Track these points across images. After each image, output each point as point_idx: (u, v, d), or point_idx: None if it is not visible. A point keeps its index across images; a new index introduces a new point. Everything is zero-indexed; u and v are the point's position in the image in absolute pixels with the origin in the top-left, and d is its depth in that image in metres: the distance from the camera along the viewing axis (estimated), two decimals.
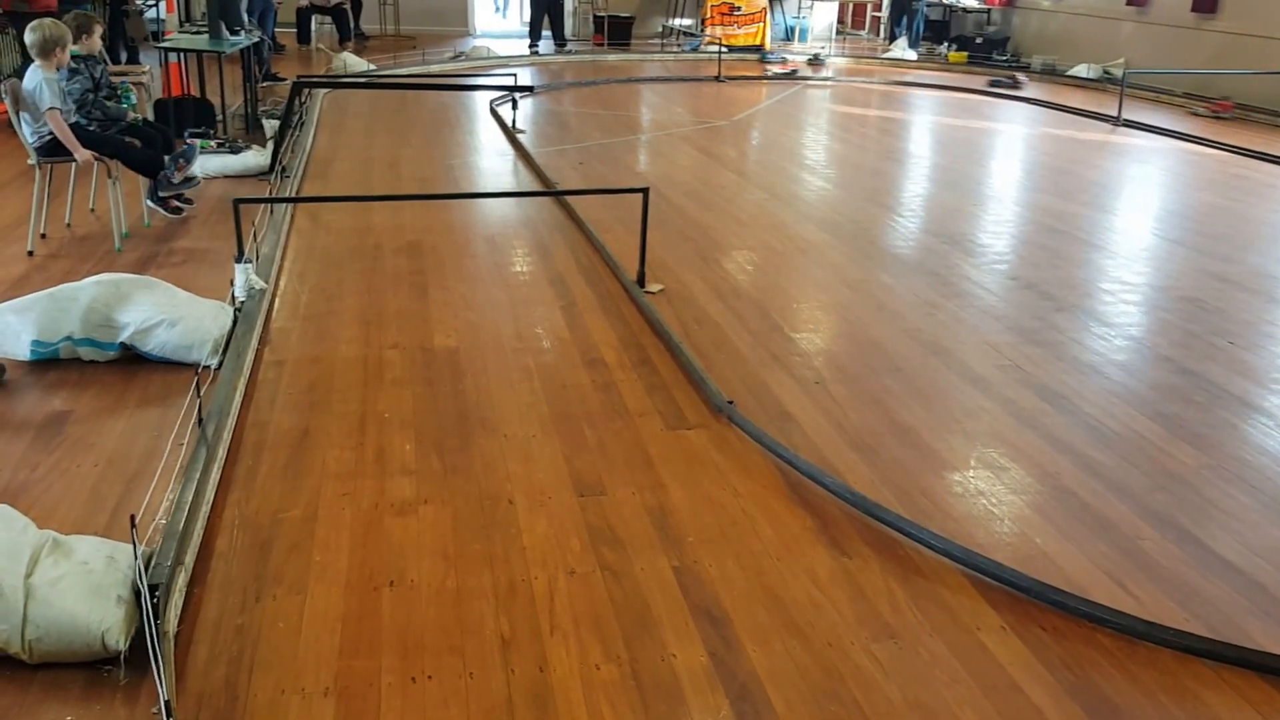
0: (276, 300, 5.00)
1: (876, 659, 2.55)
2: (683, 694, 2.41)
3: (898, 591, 2.82)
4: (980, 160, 9.58)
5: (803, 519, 3.18)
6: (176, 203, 6.38)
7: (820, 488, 3.33)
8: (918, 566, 2.94)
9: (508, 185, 7.85)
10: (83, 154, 5.64)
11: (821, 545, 3.04)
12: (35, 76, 5.55)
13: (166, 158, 6.14)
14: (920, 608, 2.75)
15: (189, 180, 6.30)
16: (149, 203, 6.10)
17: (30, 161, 5.83)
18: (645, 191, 5.23)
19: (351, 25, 16.21)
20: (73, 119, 5.77)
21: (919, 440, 3.72)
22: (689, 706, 2.37)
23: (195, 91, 9.18)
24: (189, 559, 2.78)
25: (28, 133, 5.70)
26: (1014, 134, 10.84)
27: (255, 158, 7.68)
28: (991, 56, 15.99)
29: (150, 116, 8.12)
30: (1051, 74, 14.67)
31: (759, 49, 16.59)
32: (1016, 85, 13.48)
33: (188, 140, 7.05)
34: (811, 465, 3.43)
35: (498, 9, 22.11)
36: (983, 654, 2.57)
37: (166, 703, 1.99)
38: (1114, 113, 11.17)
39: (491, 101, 11.01)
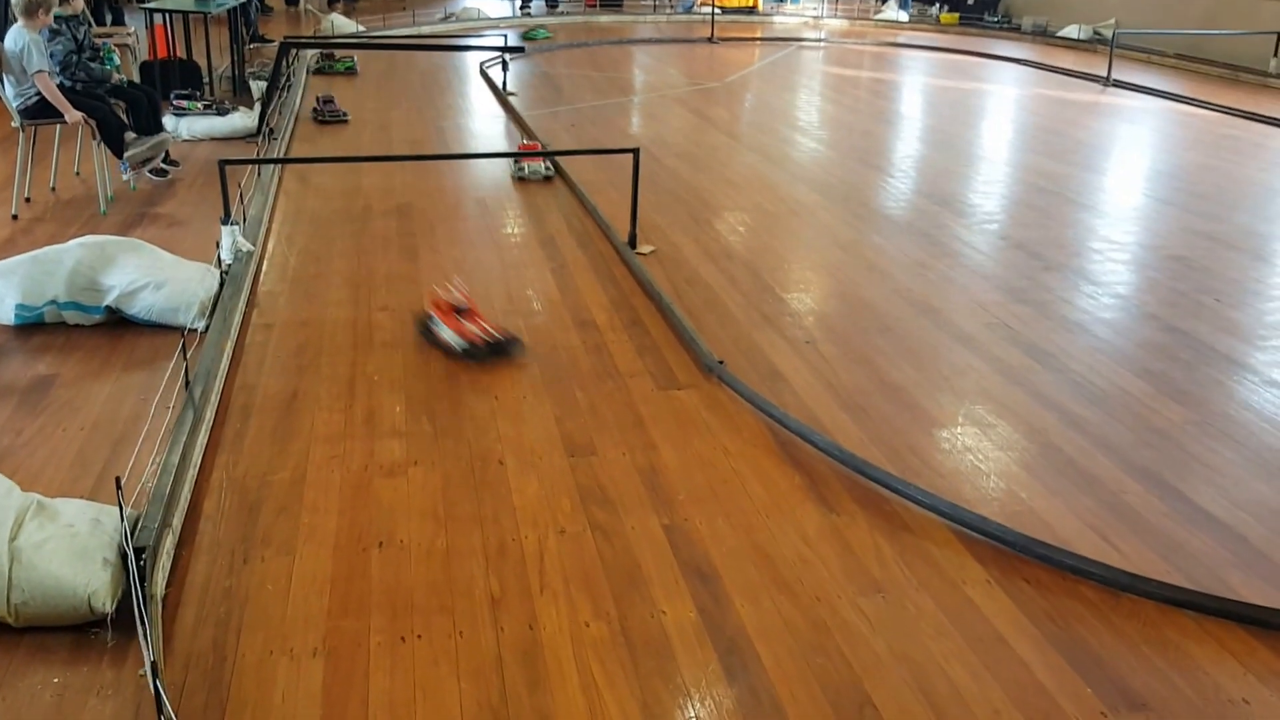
0: (264, 263, 4.98)
1: (863, 613, 2.57)
2: (672, 650, 2.43)
3: (885, 547, 2.84)
4: (971, 121, 9.55)
5: (792, 477, 3.19)
6: (162, 165, 6.34)
7: (810, 446, 3.34)
8: (905, 522, 2.96)
9: (498, 147, 7.80)
10: (73, 115, 5.59)
11: (810, 503, 3.05)
12: (20, 37, 5.49)
13: (130, 135, 6.06)
14: (907, 563, 2.77)
15: (148, 163, 6.23)
16: (126, 169, 6.04)
17: (14, 124, 5.78)
18: (635, 152, 5.20)
19: None
20: (56, 80, 5.71)
21: (908, 398, 3.73)
22: (678, 662, 2.39)
23: (181, 53, 9.10)
24: (176, 521, 2.78)
25: (11, 95, 5.65)
26: (1004, 95, 10.79)
27: (242, 120, 7.62)
28: (983, 18, 15.90)
29: (136, 79, 8.05)
30: (1042, 34, 14.59)
31: (752, 10, 16.46)
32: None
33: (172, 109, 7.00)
34: (801, 424, 3.43)
35: None
36: (968, 607, 2.59)
37: (153, 664, 2.00)
38: (1104, 73, 11.12)
39: (482, 63, 10.92)
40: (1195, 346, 4.24)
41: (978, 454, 3.35)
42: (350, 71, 10.61)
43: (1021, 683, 2.34)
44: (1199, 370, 4.02)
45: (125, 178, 5.95)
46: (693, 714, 2.23)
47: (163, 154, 6.35)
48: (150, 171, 6.23)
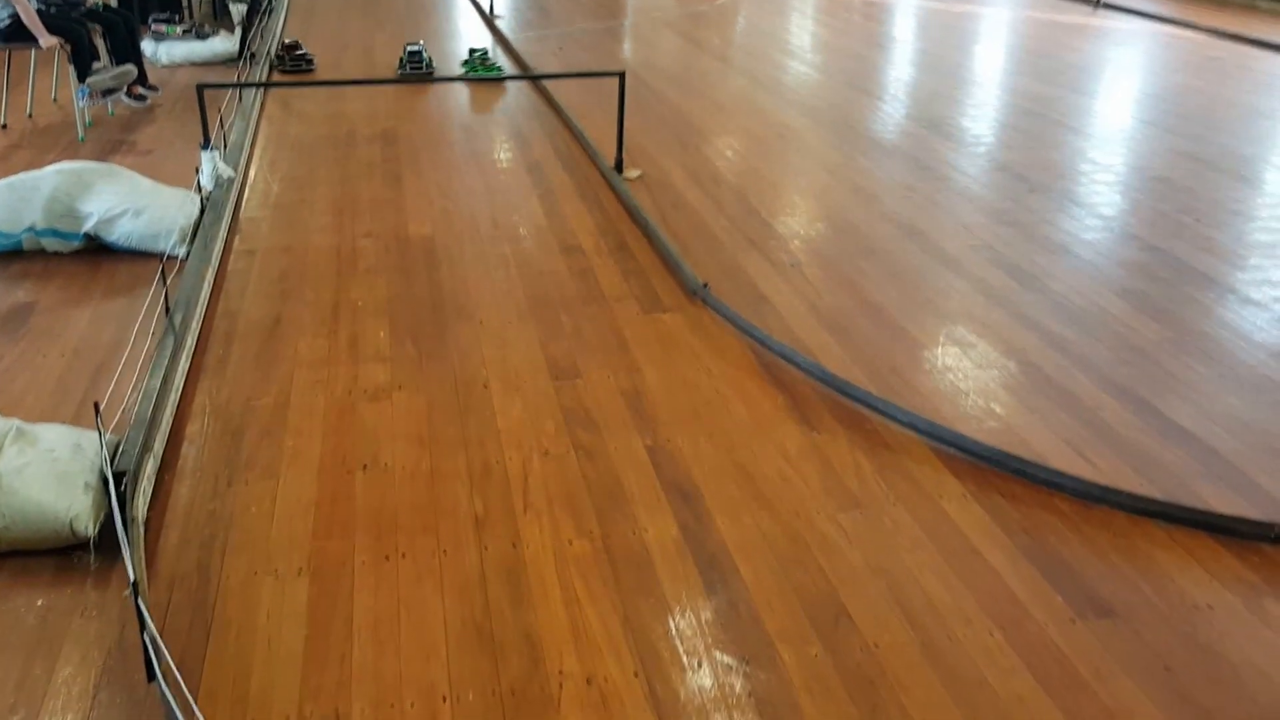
0: (246, 189, 4.95)
1: (842, 527, 2.61)
2: (653, 565, 2.47)
3: (864, 464, 2.87)
4: (961, 44, 9.45)
5: (774, 397, 3.21)
6: (141, 90, 6.26)
7: (793, 367, 3.36)
8: (885, 440, 2.99)
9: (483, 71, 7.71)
10: (47, 40, 5.51)
11: (792, 422, 3.08)
12: None
13: (98, 63, 5.97)
14: (885, 479, 2.81)
15: (111, 93, 6.13)
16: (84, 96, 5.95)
17: None
18: (621, 75, 5.16)
19: None
20: (33, 4, 5.62)
21: (891, 320, 3.75)
22: (659, 576, 2.43)
23: None
24: (158, 446, 2.80)
25: None
26: (995, 18, 10.67)
27: (223, 44, 7.53)
28: None
29: (113, 2, 7.91)
30: None
31: None
32: None
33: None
34: (784, 345, 3.45)
35: None
36: (944, 520, 2.63)
37: (135, 583, 2.03)
38: None
39: None
40: (1175, 266, 4.25)
41: (957, 373, 3.38)
42: None
43: (993, 591, 2.39)
44: (1178, 289, 4.04)
45: (80, 105, 5.83)
46: (673, 626, 2.28)
47: (125, 85, 6.24)
48: (130, 97, 6.16)
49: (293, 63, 7.67)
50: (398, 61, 7.30)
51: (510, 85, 7.10)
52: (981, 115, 6.77)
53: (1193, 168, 5.56)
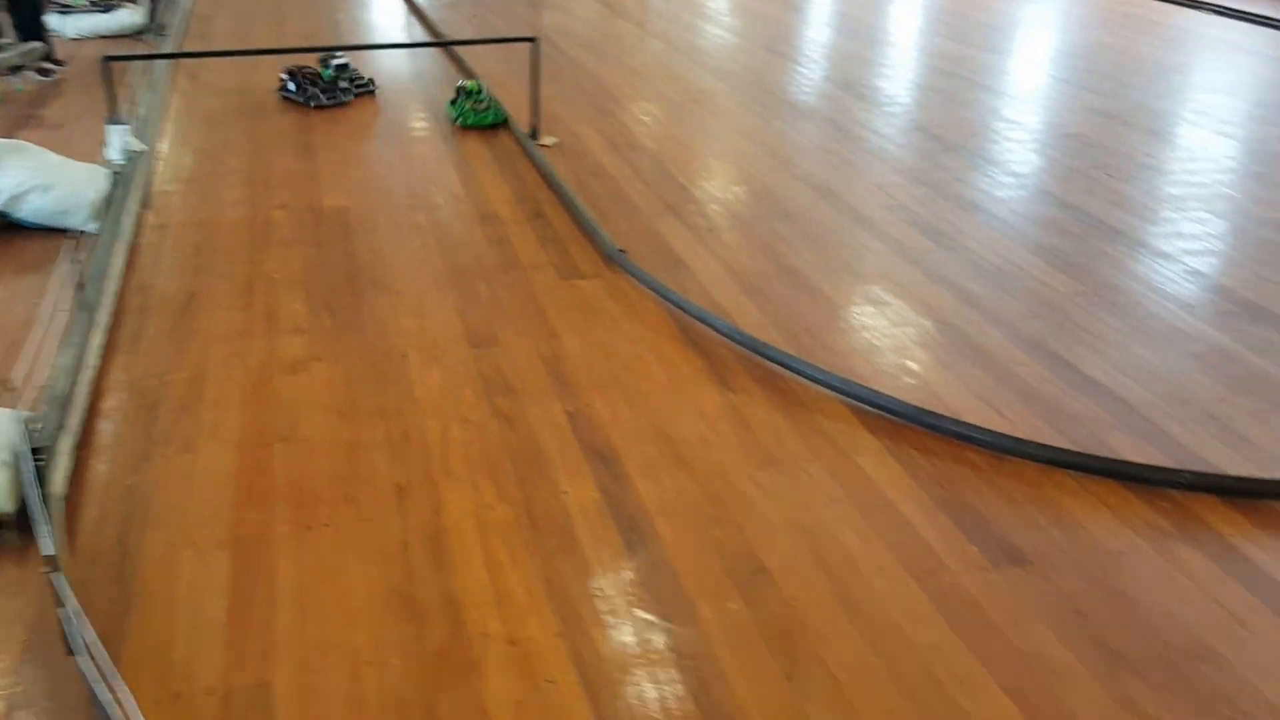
0: (158, 163, 4.84)
1: (760, 485, 2.65)
2: (574, 528, 2.49)
3: (781, 423, 2.92)
4: (877, 5, 9.51)
5: (693, 360, 3.24)
6: (48, 64, 6.09)
7: (710, 330, 3.40)
8: (801, 399, 3.04)
9: (397, 38, 7.60)
10: None
11: (710, 384, 3.11)
12: None
13: (1, 41, 5.80)
14: (802, 437, 2.86)
15: (18, 70, 5.95)
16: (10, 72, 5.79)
17: None
18: (534, 42, 5.12)
19: None
20: None
21: (807, 281, 3.79)
22: (579, 539, 2.45)
23: None
24: (73, 422, 2.75)
25: None
26: None
27: (130, 16, 7.32)
28: None
29: None
30: None
31: None
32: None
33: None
34: (701, 309, 3.48)
35: None
36: (859, 476, 2.69)
37: (51, 556, 2.01)
38: None
39: None
40: (1087, 221, 4.36)
41: (873, 332, 3.44)
42: None
43: (907, 543, 2.45)
44: (1089, 244, 4.14)
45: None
46: (594, 586, 2.31)
47: (32, 61, 6.05)
48: (36, 72, 5.98)
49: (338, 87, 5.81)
50: (320, 66, 5.81)
51: (424, 53, 7.01)
52: (897, 76, 6.85)
53: (1106, 124, 5.68)
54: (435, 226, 4.18)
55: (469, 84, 5.55)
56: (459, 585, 2.30)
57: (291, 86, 5.78)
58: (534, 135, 5.17)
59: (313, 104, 5.66)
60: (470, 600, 2.26)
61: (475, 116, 5.44)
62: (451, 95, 5.62)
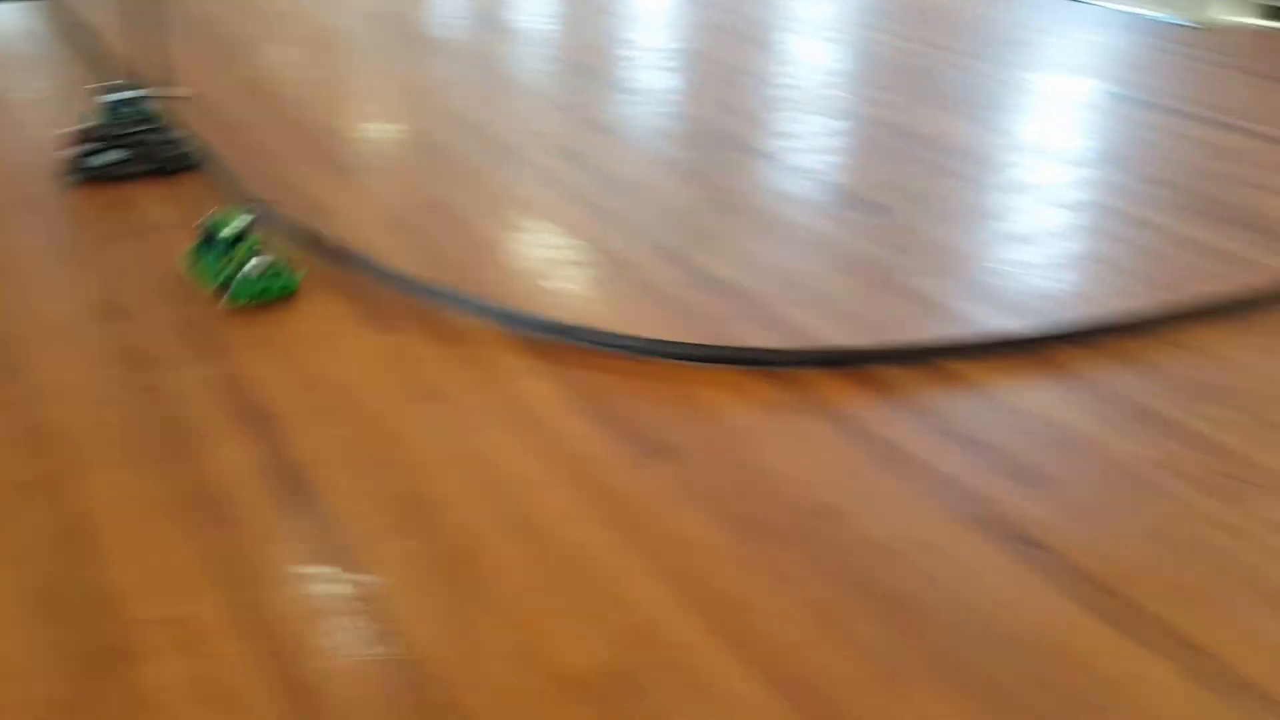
0: None
1: (423, 422, 2.67)
2: (233, 496, 2.42)
3: (440, 357, 2.94)
4: None
5: (343, 305, 3.20)
6: None
7: (360, 274, 3.35)
8: (458, 332, 3.07)
9: None
10: None
11: (364, 328, 3.09)
12: None
13: None
14: (462, 368, 2.89)
15: None
16: None
17: None
18: None
19: None
20: None
21: (458, 215, 3.81)
22: (240, 506, 2.38)
23: None
24: None
25: None
26: None
27: None
28: None
29: None
30: None
31: None
32: None
33: None
34: (350, 251, 3.43)
35: None
36: (516, 399, 2.76)
37: None
38: None
39: None
40: (705, 132, 4.62)
41: (523, 257, 3.52)
42: None
43: (561, 452, 2.56)
44: (709, 152, 4.41)
45: None
46: (261, 552, 2.26)
47: None
48: None
49: None
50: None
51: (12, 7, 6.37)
52: (534, 9, 6.92)
53: (723, 39, 6.01)
54: (44, 197, 3.86)
55: (228, 217, 3.23)
56: (109, 577, 2.19)
57: None
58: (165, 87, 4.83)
59: None
60: (127, 588, 2.15)
61: (256, 282, 3.16)
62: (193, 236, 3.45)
